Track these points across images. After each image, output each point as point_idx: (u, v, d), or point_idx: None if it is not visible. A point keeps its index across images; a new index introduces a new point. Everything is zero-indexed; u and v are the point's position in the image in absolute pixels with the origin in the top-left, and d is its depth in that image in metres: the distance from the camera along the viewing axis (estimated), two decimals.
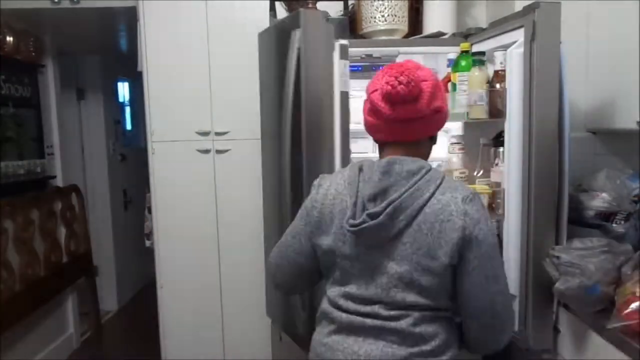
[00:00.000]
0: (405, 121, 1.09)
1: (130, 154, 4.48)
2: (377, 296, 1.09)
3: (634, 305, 1.29)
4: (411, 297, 1.07)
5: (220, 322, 2.46)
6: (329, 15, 2.14)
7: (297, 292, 1.51)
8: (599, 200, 1.69)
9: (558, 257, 1.46)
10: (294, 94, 1.66)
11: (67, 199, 3.27)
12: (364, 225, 1.06)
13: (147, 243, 2.57)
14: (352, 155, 1.76)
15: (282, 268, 1.27)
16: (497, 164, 1.72)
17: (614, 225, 1.66)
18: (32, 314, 2.79)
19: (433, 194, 1.05)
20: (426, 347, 1.08)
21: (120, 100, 4.61)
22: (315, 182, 1.23)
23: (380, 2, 1.92)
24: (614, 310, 1.33)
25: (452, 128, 2.00)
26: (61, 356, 3.23)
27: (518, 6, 1.61)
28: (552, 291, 1.47)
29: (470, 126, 1.90)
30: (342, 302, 1.14)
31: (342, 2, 2.19)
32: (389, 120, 1.09)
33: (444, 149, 2.00)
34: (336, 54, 1.64)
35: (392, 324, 1.08)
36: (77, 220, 3.37)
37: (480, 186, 1.76)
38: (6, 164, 2.71)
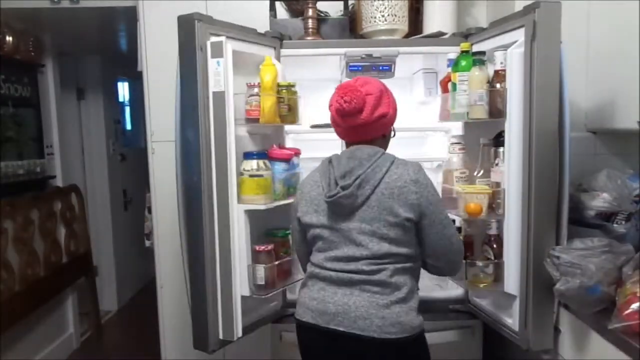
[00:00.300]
0: (356, 127, 1.39)
1: (130, 154, 4.48)
2: (358, 252, 1.36)
3: (634, 306, 1.29)
4: (385, 247, 1.34)
5: None
6: (329, 15, 2.16)
7: None
8: (600, 200, 1.69)
9: (558, 257, 1.46)
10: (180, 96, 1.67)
11: (67, 199, 3.27)
12: (338, 195, 1.35)
13: (147, 243, 2.57)
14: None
15: (304, 259, 1.57)
16: (497, 164, 1.72)
17: (614, 225, 1.66)
18: (32, 314, 2.78)
19: (389, 168, 1.36)
20: (400, 294, 1.35)
21: (120, 100, 4.60)
22: (299, 184, 1.57)
23: (381, 2, 1.92)
24: (614, 311, 1.33)
25: (452, 128, 2.00)
26: (61, 356, 3.23)
27: (518, 6, 1.62)
28: (552, 291, 1.47)
29: (471, 126, 1.90)
30: (329, 264, 1.39)
31: (342, 2, 2.19)
32: (344, 127, 1.42)
33: (444, 149, 2.00)
34: (208, 54, 1.59)
35: (374, 277, 1.35)
36: (77, 220, 3.36)
37: (480, 186, 1.76)
38: (6, 164, 2.71)
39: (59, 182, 3.25)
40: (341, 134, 1.47)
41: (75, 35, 3.34)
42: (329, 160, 1.45)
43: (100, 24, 3.09)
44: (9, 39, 2.76)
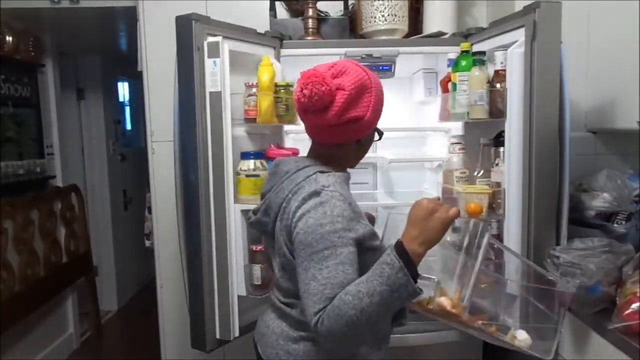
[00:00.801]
0: (316, 127, 1.12)
1: (130, 154, 4.48)
2: (275, 282, 1.22)
3: (634, 306, 1.29)
4: (287, 285, 1.15)
5: None
6: (329, 15, 2.16)
7: None
8: (600, 200, 1.69)
9: (558, 257, 1.46)
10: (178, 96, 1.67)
11: (67, 199, 3.27)
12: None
13: (147, 243, 2.57)
14: None
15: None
16: (497, 164, 1.72)
17: (615, 225, 1.66)
18: (32, 314, 2.78)
19: (290, 191, 1.09)
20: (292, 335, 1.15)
21: (120, 100, 4.60)
22: None
23: (381, 2, 1.92)
24: (614, 311, 1.33)
25: (452, 128, 2.00)
26: (61, 356, 3.23)
27: (518, 6, 1.61)
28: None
29: (471, 126, 1.90)
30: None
31: (342, 2, 2.19)
32: (305, 124, 1.15)
33: (444, 149, 2.00)
34: (205, 54, 1.58)
35: (287, 310, 1.17)
36: (77, 220, 3.36)
37: (481, 186, 1.76)
38: (6, 164, 2.71)
39: (59, 182, 3.25)
40: (306, 130, 1.17)
41: (75, 35, 3.34)
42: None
43: (100, 24, 3.09)
44: (9, 39, 2.76)
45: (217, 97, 1.59)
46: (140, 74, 2.34)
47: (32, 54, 2.98)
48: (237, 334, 1.69)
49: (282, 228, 1.09)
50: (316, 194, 1.04)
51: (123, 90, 4.66)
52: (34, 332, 2.91)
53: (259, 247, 1.73)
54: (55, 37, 3.21)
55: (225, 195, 1.63)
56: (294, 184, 1.09)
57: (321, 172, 1.11)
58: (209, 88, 1.60)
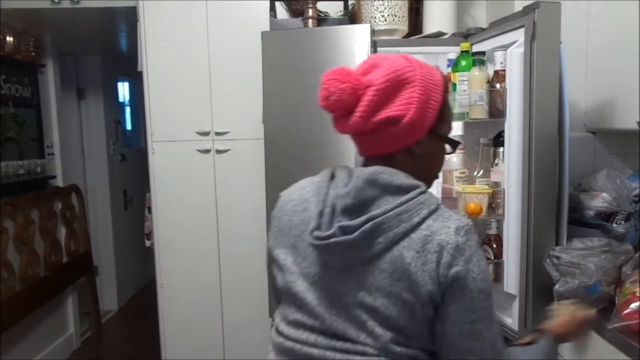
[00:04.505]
0: (351, 134, 0.92)
1: (130, 154, 4.48)
2: (337, 329, 0.85)
3: (633, 305, 1.29)
4: (387, 336, 0.83)
5: (220, 322, 2.46)
6: (329, 15, 2.16)
7: None
8: (599, 200, 1.69)
9: (558, 258, 1.46)
10: None
11: (67, 198, 3.27)
12: (332, 240, 0.83)
13: (147, 243, 2.57)
14: None
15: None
16: (497, 164, 1.72)
17: (614, 225, 1.66)
18: (32, 314, 2.79)
19: (424, 219, 0.84)
20: None
21: (120, 100, 4.61)
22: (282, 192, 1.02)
23: (380, 2, 1.93)
24: (614, 310, 1.34)
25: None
26: (61, 356, 3.23)
27: (518, 6, 1.62)
28: (552, 291, 1.47)
29: (470, 126, 1.90)
30: (290, 331, 0.91)
31: (342, 2, 2.19)
32: (341, 133, 0.92)
33: None
34: None
35: None
36: (77, 220, 3.37)
37: (480, 186, 1.76)
38: (6, 164, 2.71)
39: (59, 182, 3.25)
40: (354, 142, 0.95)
41: (75, 35, 3.34)
42: (331, 175, 0.93)
43: (100, 24, 3.09)
44: (9, 39, 2.77)
45: None
46: (140, 74, 2.34)
47: (33, 54, 2.99)
48: None
49: (417, 263, 0.82)
50: (471, 230, 0.85)
51: (123, 90, 4.66)
52: (34, 332, 2.91)
53: None
54: (55, 37, 3.22)
55: None
56: (427, 208, 0.85)
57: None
58: None
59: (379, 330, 0.83)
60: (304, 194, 0.94)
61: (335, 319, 0.86)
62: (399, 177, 0.87)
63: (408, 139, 0.89)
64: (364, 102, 0.85)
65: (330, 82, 0.85)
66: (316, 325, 0.87)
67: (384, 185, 0.85)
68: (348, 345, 0.85)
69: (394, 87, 0.86)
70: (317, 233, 0.85)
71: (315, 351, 0.86)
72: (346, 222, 0.84)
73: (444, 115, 0.92)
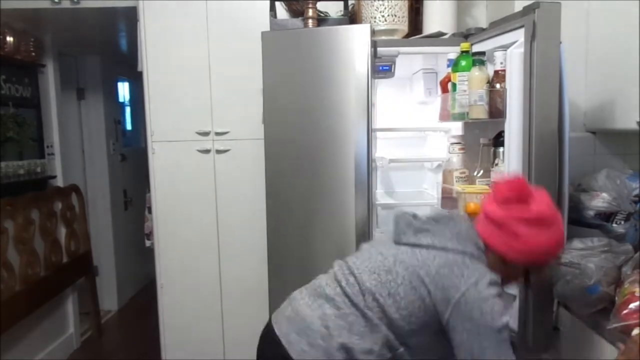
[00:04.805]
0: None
1: (130, 154, 4.48)
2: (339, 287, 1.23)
3: (632, 305, 1.29)
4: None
5: (221, 322, 2.46)
6: (329, 15, 2.16)
7: None
8: (599, 200, 1.69)
9: (558, 258, 1.46)
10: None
11: (67, 199, 3.27)
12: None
13: (147, 243, 2.57)
14: None
15: None
16: (497, 164, 1.72)
17: (614, 225, 1.66)
18: (32, 314, 2.79)
19: None
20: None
21: (120, 100, 4.60)
22: None
23: (380, 2, 1.93)
24: (613, 310, 1.34)
25: (452, 128, 2.00)
26: (61, 356, 3.23)
27: (518, 6, 1.62)
28: (552, 291, 1.47)
29: (470, 126, 1.90)
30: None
31: (342, 2, 2.19)
32: None
33: (444, 149, 2.00)
34: None
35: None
36: (77, 220, 3.37)
37: (480, 186, 1.76)
38: (6, 164, 2.71)
39: (59, 182, 3.25)
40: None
41: (75, 35, 3.34)
42: None
43: (100, 24, 3.09)
44: (9, 39, 2.77)
45: None
46: (140, 74, 2.34)
47: (33, 54, 2.99)
48: None
49: None
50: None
51: (123, 90, 4.66)
52: (34, 332, 2.91)
53: None
54: (55, 37, 3.22)
55: None
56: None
57: None
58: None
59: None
60: None
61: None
62: None
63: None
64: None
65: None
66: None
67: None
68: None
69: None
70: None
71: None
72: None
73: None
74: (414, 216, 1.27)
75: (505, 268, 1.18)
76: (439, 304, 1.11)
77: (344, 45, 1.82)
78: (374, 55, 1.82)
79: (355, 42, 1.80)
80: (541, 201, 1.15)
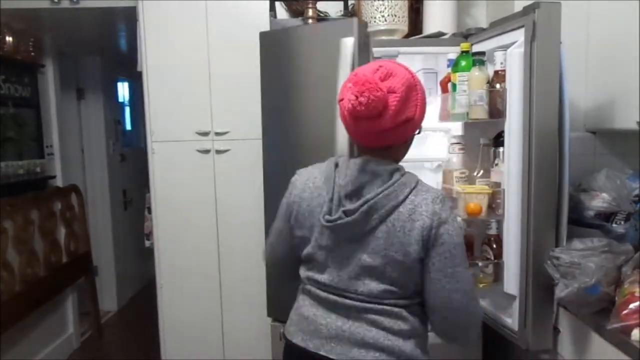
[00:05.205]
0: (370, 133, 1.11)
1: (130, 154, 4.48)
2: (344, 286, 1.15)
3: (632, 306, 1.29)
4: (380, 287, 1.13)
5: (220, 322, 2.46)
6: (329, 15, 2.16)
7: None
8: (599, 200, 1.69)
9: (558, 258, 1.46)
10: None
11: (67, 199, 3.27)
12: (339, 222, 1.12)
13: (147, 243, 2.57)
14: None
15: (277, 267, 1.38)
16: (497, 164, 1.72)
17: (614, 225, 1.66)
18: (32, 314, 2.79)
19: (407, 196, 1.10)
20: (397, 329, 1.14)
21: (120, 100, 4.61)
22: (293, 179, 1.27)
23: (380, 2, 1.93)
24: (613, 311, 1.34)
25: (452, 128, 2.00)
26: (61, 356, 3.23)
27: (518, 6, 1.62)
28: (552, 291, 1.47)
29: (470, 126, 1.90)
30: (321, 286, 1.20)
31: (342, 2, 2.19)
32: (358, 132, 1.13)
33: (444, 149, 2.00)
34: None
35: (377, 307, 1.15)
36: (77, 220, 3.37)
37: (480, 186, 1.76)
38: (6, 164, 2.71)
39: (59, 182, 3.25)
40: (353, 137, 1.19)
41: (75, 35, 3.34)
42: (335, 164, 1.19)
43: (100, 24, 3.09)
44: (9, 39, 2.77)
45: None
46: (140, 74, 2.34)
47: (32, 54, 2.99)
48: None
49: (403, 229, 1.09)
50: (444, 199, 1.13)
51: (123, 90, 4.66)
52: (34, 332, 2.91)
53: None
54: (55, 37, 3.22)
55: None
56: (409, 187, 1.12)
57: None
58: None
59: (373, 284, 1.13)
60: (317, 182, 1.20)
61: (340, 280, 1.16)
62: (383, 165, 1.14)
63: (410, 133, 1.17)
64: (391, 107, 1.06)
65: (367, 91, 1.03)
66: (333, 282, 1.17)
67: (373, 172, 1.13)
68: (352, 295, 1.15)
69: (407, 94, 1.09)
70: (327, 217, 1.14)
71: (331, 297, 1.18)
72: (348, 207, 1.12)
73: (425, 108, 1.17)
74: None
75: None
76: None
77: (331, 41, 1.75)
78: (364, 48, 1.74)
79: (343, 36, 1.72)
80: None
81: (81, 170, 4.00)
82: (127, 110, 4.78)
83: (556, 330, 1.59)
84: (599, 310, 1.41)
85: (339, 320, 1.16)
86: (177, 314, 2.45)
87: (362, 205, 1.10)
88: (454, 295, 1.11)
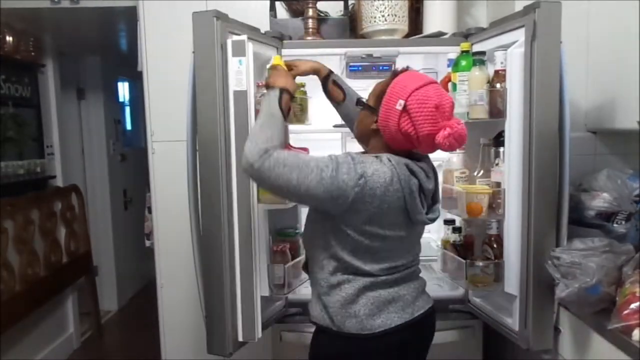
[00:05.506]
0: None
1: (130, 154, 4.48)
2: (412, 258, 1.41)
3: (633, 306, 1.29)
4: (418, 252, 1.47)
5: None
6: (329, 15, 2.16)
7: None
8: (600, 200, 1.69)
9: (559, 259, 1.46)
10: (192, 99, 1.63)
11: (67, 199, 3.27)
12: (428, 216, 1.34)
13: (147, 243, 2.57)
14: None
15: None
16: (497, 164, 1.72)
17: (614, 225, 1.66)
18: (32, 314, 2.79)
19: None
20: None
21: (120, 100, 4.60)
22: (363, 171, 1.22)
23: (381, 2, 1.92)
24: (613, 311, 1.33)
25: None
26: (61, 356, 3.23)
27: (518, 6, 1.61)
28: (552, 291, 1.47)
29: (471, 126, 1.88)
30: (392, 274, 1.36)
31: (342, 2, 2.19)
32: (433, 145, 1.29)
33: None
34: (229, 52, 1.56)
35: (418, 267, 1.46)
36: (77, 220, 3.37)
37: (481, 186, 1.76)
38: (6, 164, 2.71)
39: (59, 182, 3.25)
40: (418, 144, 1.30)
41: (75, 35, 3.34)
42: (409, 168, 1.28)
43: (100, 24, 3.09)
44: (9, 39, 2.77)
45: (242, 96, 1.56)
46: (140, 74, 2.34)
47: (33, 54, 2.99)
48: (260, 334, 1.67)
49: None
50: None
51: (123, 90, 4.66)
52: (34, 332, 2.91)
53: (279, 247, 1.75)
54: (55, 37, 3.21)
55: (250, 196, 1.61)
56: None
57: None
58: (234, 87, 1.57)
59: (417, 248, 1.46)
60: (396, 186, 1.24)
61: (409, 255, 1.39)
62: (430, 163, 1.43)
63: None
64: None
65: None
66: (407, 262, 1.39)
67: (432, 172, 1.39)
68: (415, 262, 1.44)
69: None
70: (421, 216, 1.30)
71: (406, 272, 1.38)
72: (430, 206, 1.36)
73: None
74: None
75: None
76: None
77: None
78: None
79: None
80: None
81: (81, 170, 3.99)
82: (127, 110, 4.78)
83: (557, 330, 1.59)
84: (599, 310, 1.41)
85: (412, 283, 1.39)
86: (177, 314, 2.44)
87: (433, 204, 1.38)
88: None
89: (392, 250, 1.34)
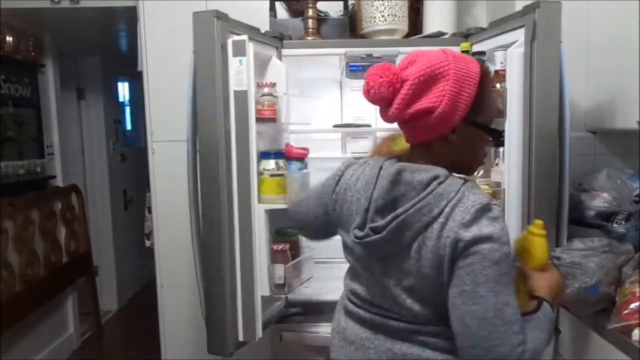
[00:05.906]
0: (390, 122, 1.02)
1: (130, 154, 4.48)
2: (388, 305, 1.04)
3: (633, 305, 1.29)
4: (424, 309, 0.99)
5: None
6: (329, 15, 2.16)
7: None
8: (600, 200, 1.70)
9: (559, 259, 1.46)
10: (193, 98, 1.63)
11: (67, 199, 3.27)
12: (367, 240, 1.00)
13: (147, 243, 2.57)
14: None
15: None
16: (497, 164, 1.72)
17: (614, 225, 1.66)
18: (32, 314, 2.79)
19: (443, 209, 0.93)
20: (450, 348, 0.99)
21: (120, 100, 4.60)
22: (344, 167, 1.13)
23: (380, 2, 1.92)
24: (613, 311, 1.34)
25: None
26: (61, 356, 3.23)
27: (518, 6, 1.62)
28: None
29: None
30: (361, 304, 1.10)
31: (342, 2, 2.19)
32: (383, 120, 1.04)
33: None
34: (229, 52, 1.55)
35: (425, 328, 1.02)
36: (77, 220, 3.36)
37: (481, 186, 1.75)
38: (6, 164, 2.71)
39: (59, 182, 3.25)
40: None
41: (75, 35, 3.34)
42: (380, 167, 1.04)
43: (100, 24, 3.09)
44: (9, 39, 2.76)
45: (242, 95, 1.56)
46: (140, 74, 2.34)
47: (32, 54, 2.99)
48: (260, 334, 1.67)
49: (434, 247, 0.93)
50: (488, 209, 0.92)
51: (123, 90, 4.66)
52: (34, 332, 2.91)
53: (280, 247, 1.74)
54: (55, 37, 3.21)
55: (250, 196, 1.61)
56: (445, 199, 0.93)
57: (462, 180, 0.99)
58: (234, 87, 1.57)
59: (415, 306, 0.99)
60: (358, 185, 1.06)
61: (381, 298, 1.04)
62: (420, 173, 0.97)
63: (441, 128, 0.97)
64: (400, 95, 0.95)
65: (371, 76, 0.96)
66: (368, 298, 1.08)
67: (407, 183, 0.97)
68: (396, 317, 1.03)
69: (428, 81, 0.94)
70: (356, 232, 1.02)
71: (376, 318, 1.06)
72: (375, 223, 0.99)
73: (481, 105, 0.98)
74: None
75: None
76: None
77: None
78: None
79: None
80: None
81: (81, 170, 4.00)
82: (127, 110, 4.78)
83: (557, 330, 1.59)
84: (599, 310, 1.41)
85: (387, 342, 1.04)
86: (177, 314, 2.44)
87: (390, 222, 0.96)
88: (467, 320, 0.90)
89: (356, 271, 1.13)
